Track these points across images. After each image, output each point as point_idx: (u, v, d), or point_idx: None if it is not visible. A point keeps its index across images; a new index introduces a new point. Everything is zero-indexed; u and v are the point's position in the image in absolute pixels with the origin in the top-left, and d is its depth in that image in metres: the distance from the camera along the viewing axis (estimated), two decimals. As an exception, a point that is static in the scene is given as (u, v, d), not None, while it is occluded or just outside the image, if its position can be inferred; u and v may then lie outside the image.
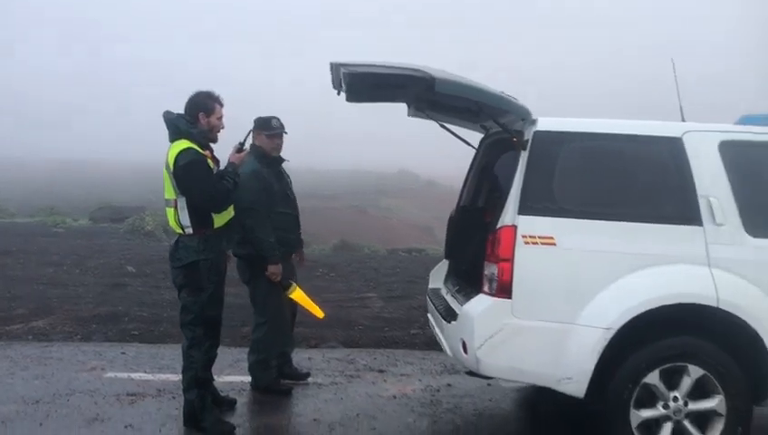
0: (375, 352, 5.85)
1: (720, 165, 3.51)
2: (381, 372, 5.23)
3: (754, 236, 3.44)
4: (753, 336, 3.36)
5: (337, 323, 6.79)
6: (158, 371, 5.09)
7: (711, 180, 3.48)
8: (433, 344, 4.18)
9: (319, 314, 4.75)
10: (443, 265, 4.90)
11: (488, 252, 3.58)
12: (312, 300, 4.74)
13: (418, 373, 5.20)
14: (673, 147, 3.54)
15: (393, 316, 7.37)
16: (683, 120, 3.99)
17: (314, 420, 4.16)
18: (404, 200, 49.41)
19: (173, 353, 5.24)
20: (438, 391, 4.79)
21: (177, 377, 4.32)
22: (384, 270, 10.98)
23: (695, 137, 3.56)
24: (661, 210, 3.50)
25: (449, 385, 4.90)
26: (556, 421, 4.43)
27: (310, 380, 4.92)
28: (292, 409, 4.41)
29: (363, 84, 3.86)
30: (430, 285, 4.76)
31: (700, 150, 3.53)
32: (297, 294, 4.60)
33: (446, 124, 4.62)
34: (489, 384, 4.92)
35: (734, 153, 3.55)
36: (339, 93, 4.07)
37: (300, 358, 5.32)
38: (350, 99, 4.18)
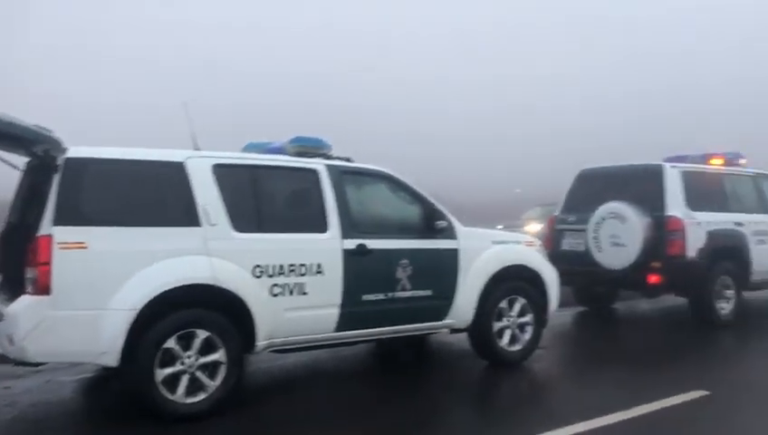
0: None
1: (213, 182, 4.80)
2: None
3: (239, 231, 4.82)
4: (242, 303, 4.73)
5: None
6: None
7: (206, 193, 4.75)
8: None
9: None
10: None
11: (29, 259, 4.27)
12: None
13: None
14: (178, 169, 4.72)
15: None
16: (197, 148, 5.19)
17: None
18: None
19: None
20: (-6, 393, 5.20)
21: None
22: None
23: (194, 161, 4.80)
24: (172, 216, 4.64)
25: (7, 387, 5.33)
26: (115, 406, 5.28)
27: None
28: None
29: None
30: None
31: (198, 171, 4.77)
32: None
33: None
34: (48, 381, 5.52)
35: (223, 173, 4.88)
36: None
37: None
38: None
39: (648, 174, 8.10)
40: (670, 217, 7.71)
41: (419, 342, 6.96)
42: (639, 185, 8.11)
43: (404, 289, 5.50)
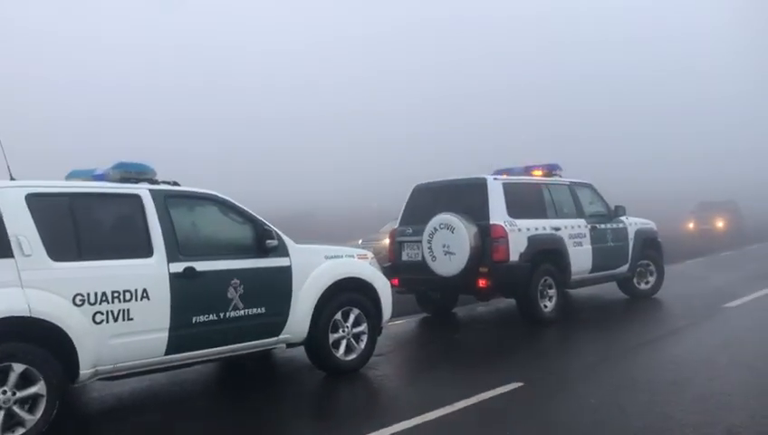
0: None
1: (27, 211, 4.70)
2: None
3: (56, 260, 4.74)
4: (62, 333, 4.65)
5: None
6: None
7: (19, 223, 4.64)
8: None
9: None
10: None
11: None
12: None
13: None
14: None
15: None
16: (11, 179, 5.05)
17: None
18: None
19: None
20: None
21: None
22: None
23: (5, 191, 4.69)
24: (-20, 249, 4.50)
25: None
26: None
27: None
28: None
29: None
30: None
31: (10, 201, 4.66)
32: None
33: None
34: None
35: (38, 202, 4.79)
36: None
37: None
38: None
39: (473, 187, 8.74)
40: (494, 225, 8.36)
41: (261, 357, 7.08)
42: (467, 197, 8.74)
43: (236, 308, 5.61)
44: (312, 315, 6.14)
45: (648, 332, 8.34)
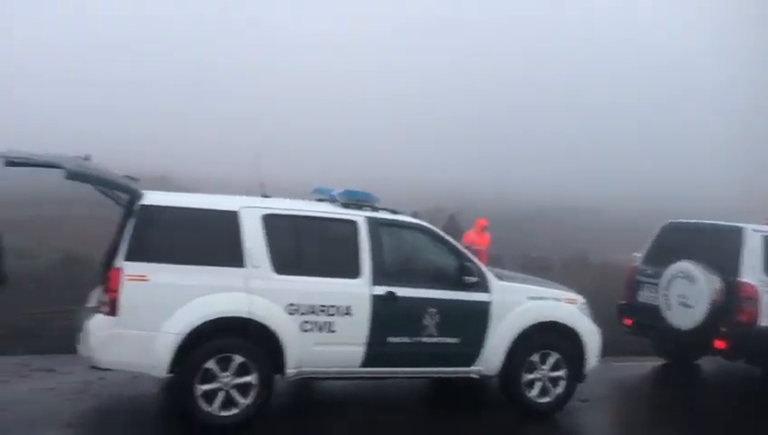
0: (53, 358, 7.19)
1: (262, 230, 5.61)
2: (50, 371, 6.71)
3: (278, 273, 5.60)
4: (274, 334, 5.52)
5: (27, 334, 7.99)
6: None
7: (254, 239, 5.56)
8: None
9: None
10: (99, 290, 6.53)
11: (105, 286, 5.36)
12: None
13: (81, 372, 6.72)
14: (231, 217, 5.59)
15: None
16: (265, 196, 6.05)
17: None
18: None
19: None
20: (92, 383, 6.39)
21: None
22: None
23: (247, 211, 5.65)
24: (220, 258, 5.52)
25: (102, 378, 6.49)
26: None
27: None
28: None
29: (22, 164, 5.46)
30: (86, 305, 6.35)
31: (249, 220, 5.60)
32: None
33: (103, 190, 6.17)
34: (135, 376, 6.65)
35: (272, 221, 5.68)
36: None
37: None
38: (8, 164, 5.60)
39: (727, 235, 7.88)
40: (743, 283, 7.47)
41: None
42: (719, 246, 7.91)
43: (430, 335, 6.00)
44: (507, 353, 6.26)
45: None
